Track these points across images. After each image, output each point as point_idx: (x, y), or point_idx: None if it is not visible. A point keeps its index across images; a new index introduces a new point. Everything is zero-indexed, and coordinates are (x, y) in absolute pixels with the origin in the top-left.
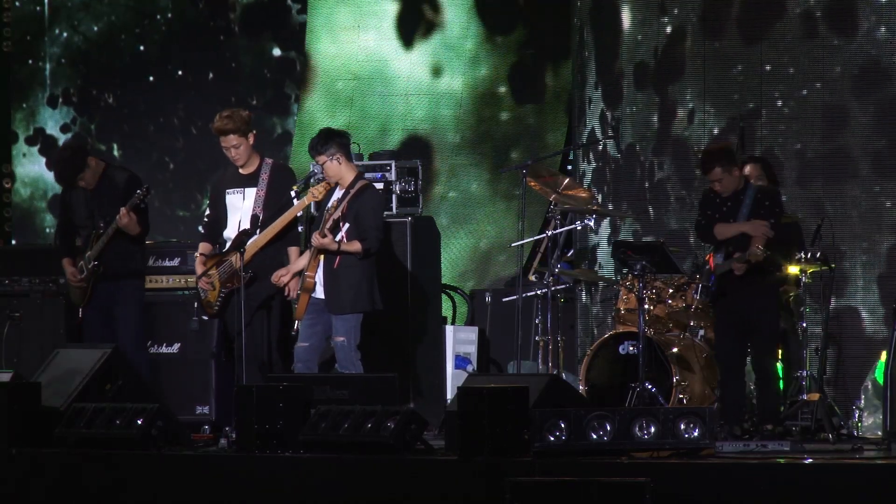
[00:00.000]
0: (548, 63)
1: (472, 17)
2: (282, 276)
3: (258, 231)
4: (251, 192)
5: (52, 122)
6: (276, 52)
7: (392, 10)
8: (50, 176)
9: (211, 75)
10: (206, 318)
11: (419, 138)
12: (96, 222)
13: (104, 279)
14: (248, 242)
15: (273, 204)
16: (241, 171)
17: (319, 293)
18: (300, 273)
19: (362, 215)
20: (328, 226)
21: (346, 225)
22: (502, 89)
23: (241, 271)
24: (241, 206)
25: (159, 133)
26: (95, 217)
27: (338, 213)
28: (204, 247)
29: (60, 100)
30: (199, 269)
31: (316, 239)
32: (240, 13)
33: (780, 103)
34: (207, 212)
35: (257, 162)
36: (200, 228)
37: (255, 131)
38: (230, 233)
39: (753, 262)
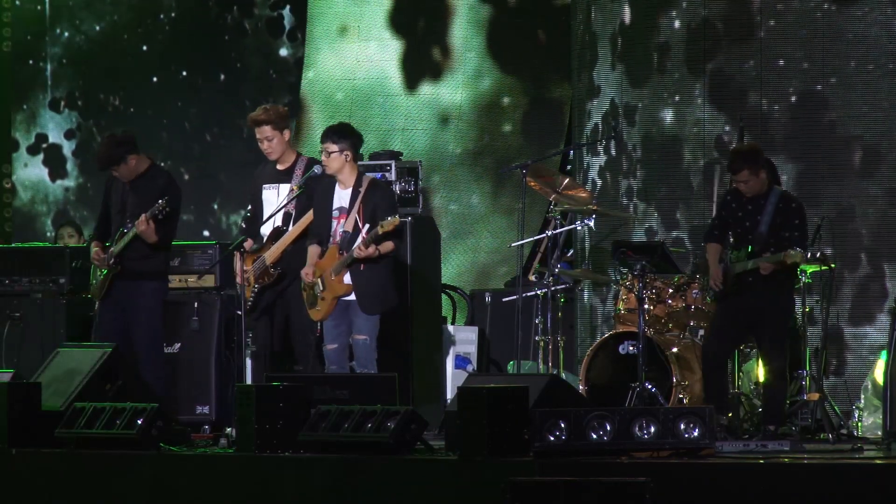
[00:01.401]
0: (554, 75)
1: (475, 33)
2: (308, 274)
3: (290, 227)
4: (286, 189)
5: (53, 125)
6: (284, 52)
7: (397, 47)
8: (50, 181)
9: (222, 77)
10: (239, 312)
11: (420, 150)
12: (125, 220)
13: (122, 278)
14: (280, 239)
15: (305, 200)
16: (277, 166)
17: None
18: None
19: (382, 213)
20: (364, 234)
21: (366, 226)
22: (505, 101)
23: (249, 272)
24: (275, 202)
25: (175, 141)
26: (126, 215)
27: (353, 215)
28: (246, 243)
29: (63, 103)
30: (238, 263)
31: (359, 252)
32: (258, 14)
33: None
34: (248, 206)
35: (293, 158)
36: (241, 223)
37: (289, 129)
38: (265, 228)
39: (789, 262)
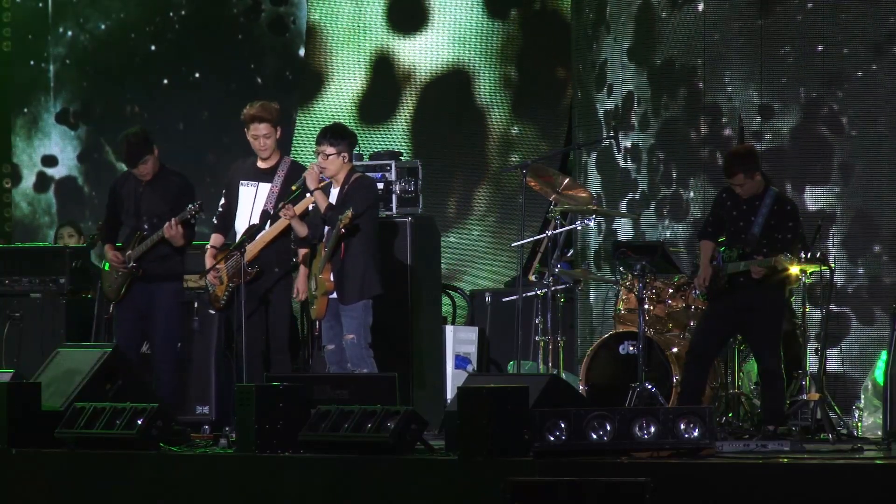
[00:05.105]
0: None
1: (487, 63)
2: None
3: (267, 226)
4: (265, 187)
5: (58, 133)
6: (302, 51)
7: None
8: (51, 188)
9: (236, 78)
10: (212, 311)
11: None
12: (141, 223)
13: (141, 280)
14: (256, 237)
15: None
16: (258, 164)
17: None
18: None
19: (350, 196)
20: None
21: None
22: (514, 131)
23: (244, 267)
24: (252, 200)
25: (192, 145)
26: (142, 217)
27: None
28: (216, 238)
29: (71, 113)
30: (209, 262)
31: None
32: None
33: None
34: (221, 201)
35: (277, 158)
36: (214, 219)
37: (280, 127)
38: (240, 225)
39: (780, 268)
